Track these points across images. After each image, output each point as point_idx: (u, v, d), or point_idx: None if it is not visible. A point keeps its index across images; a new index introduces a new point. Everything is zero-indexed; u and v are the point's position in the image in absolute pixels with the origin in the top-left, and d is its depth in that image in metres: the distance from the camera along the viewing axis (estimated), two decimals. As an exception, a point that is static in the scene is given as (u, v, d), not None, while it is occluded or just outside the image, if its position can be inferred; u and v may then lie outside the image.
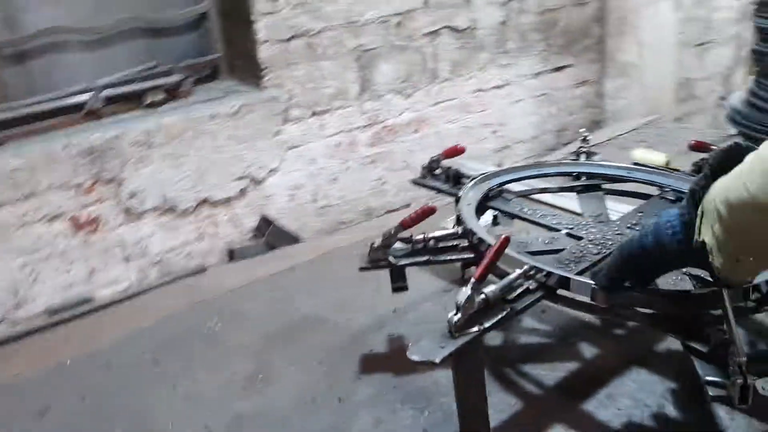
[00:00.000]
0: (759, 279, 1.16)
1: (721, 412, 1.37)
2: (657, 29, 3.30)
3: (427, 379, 1.53)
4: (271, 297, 1.95)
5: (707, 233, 0.97)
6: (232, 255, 2.32)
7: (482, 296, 1.22)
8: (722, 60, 3.85)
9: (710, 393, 1.06)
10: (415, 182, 1.92)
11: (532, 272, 1.30)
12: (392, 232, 1.49)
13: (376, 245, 1.50)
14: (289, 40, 2.31)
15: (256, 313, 1.86)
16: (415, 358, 1.18)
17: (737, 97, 2.05)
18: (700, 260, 1.11)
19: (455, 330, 1.20)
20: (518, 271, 1.29)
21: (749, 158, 0.93)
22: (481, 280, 1.24)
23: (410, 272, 1.57)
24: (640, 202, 1.68)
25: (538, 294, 1.31)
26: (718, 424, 1.34)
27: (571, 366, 1.54)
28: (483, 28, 2.82)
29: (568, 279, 1.28)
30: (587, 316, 1.72)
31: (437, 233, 1.51)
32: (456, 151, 1.83)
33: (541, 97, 3.14)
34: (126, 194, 2.08)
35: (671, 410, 1.39)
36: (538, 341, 1.64)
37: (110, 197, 2.06)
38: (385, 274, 1.91)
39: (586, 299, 1.27)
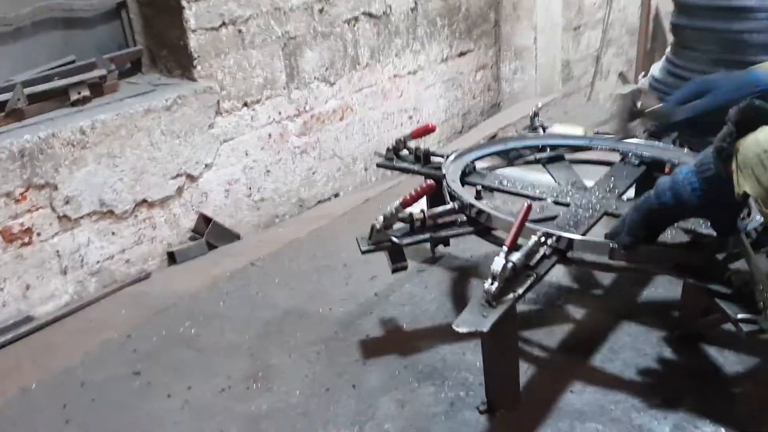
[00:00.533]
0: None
1: (712, 351, 1.49)
2: (547, 13, 3.49)
3: (434, 356, 1.54)
4: (242, 295, 1.87)
5: (748, 184, 1.04)
6: (173, 257, 2.19)
7: (511, 264, 1.25)
8: (593, 42, 4.13)
9: (744, 329, 1.15)
10: (382, 165, 1.91)
11: (545, 239, 1.35)
12: (393, 212, 1.48)
13: (378, 227, 1.48)
14: (218, 28, 2.21)
15: (233, 313, 1.77)
16: (462, 330, 1.18)
17: (657, 67, 2.22)
18: (716, 211, 1.21)
19: (493, 299, 1.22)
20: (534, 238, 1.33)
21: None
22: (512, 248, 1.27)
23: (380, 257, 1.55)
24: (601, 168, 1.79)
25: (554, 259, 1.36)
26: (713, 362, 1.46)
27: (567, 328, 1.61)
28: (396, 14, 2.84)
29: (584, 241, 1.34)
30: (563, 280, 1.80)
31: (436, 210, 1.51)
32: (426, 131, 1.84)
33: (448, 82, 3.22)
34: (60, 200, 1.90)
35: (669, 354, 1.49)
36: (527, 309, 1.69)
37: (44, 204, 1.87)
38: (351, 262, 1.90)
39: (604, 259, 1.34)
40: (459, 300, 1.73)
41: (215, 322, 1.74)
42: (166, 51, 2.23)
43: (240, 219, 2.41)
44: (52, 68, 2.03)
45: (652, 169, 1.73)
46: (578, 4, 3.96)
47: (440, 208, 1.51)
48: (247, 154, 2.39)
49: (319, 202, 2.70)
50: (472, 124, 3.46)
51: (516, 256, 1.26)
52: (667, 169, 1.68)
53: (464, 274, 1.85)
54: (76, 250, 1.97)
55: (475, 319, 1.19)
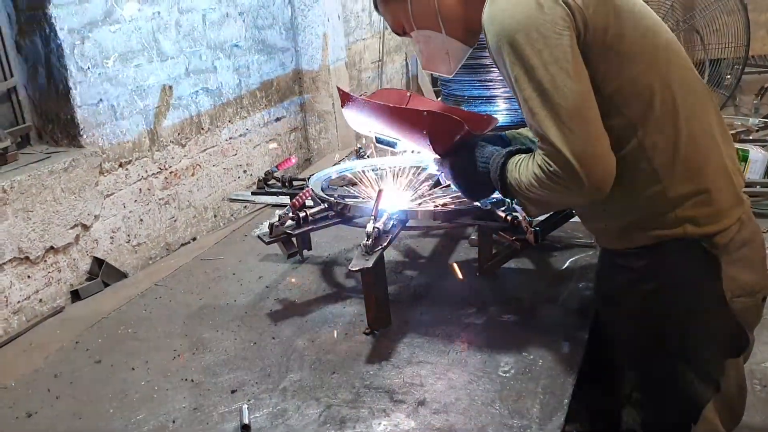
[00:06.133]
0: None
1: (496, 280, 2.28)
2: (340, 83, 4.33)
3: (325, 312, 2.14)
4: (158, 304, 2.32)
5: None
6: (77, 295, 2.59)
7: (376, 228, 1.94)
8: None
9: (518, 244, 1.94)
10: (256, 193, 2.53)
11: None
12: (285, 213, 2.11)
13: (275, 223, 2.10)
14: (97, 104, 2.70)
15: (157, 315, 2.22)
16: (355, 268, 1.84)
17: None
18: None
19: (369, 249, 1.90)
20: (386, 214, 2.04)
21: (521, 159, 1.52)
22: (376, 218, 1.97)
23: (258, 265, 2.19)
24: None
25: (400, 226, 2.08)
26: (498, 286, 2.25)
27: (408, 282, 2.32)
28: (226, 89, 3.49)
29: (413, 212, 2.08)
30: (400, 257, 2.52)
31: (313, 210, 2.17)
32: (287, 162, 2.50)
33: (270, 142, 3.90)
34: (-12, 249, 2.27)
35: (478, 284, 2.26)
36: (418, 283, 2.37)
37: (-27, 253, 2.23)
38: (238, 271, 2.48)
39: (430, 222, 2.09)
40: (329, 280, 2.38)
41: (145, 323, 2.20)
42: (52, 125, 2.67)
43: (123, 261, 2.85)
44: (-38, 143, 2.40)
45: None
46: (357, 78, 4.88)
47: (316, 208, 2.17)
48: (124, 206, 2.86)
49: (182, 245, 3.21)
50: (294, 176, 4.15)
51: (379, 223, 1.96)
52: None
53: (328, 265, 2.50)
54: (2, 291, 2.32)
55: (361, 262, 1.86)
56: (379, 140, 1.94)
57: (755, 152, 5.22)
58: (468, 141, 1.68)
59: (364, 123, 1.95)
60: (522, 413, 1.57)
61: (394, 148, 1.93)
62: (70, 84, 2.58)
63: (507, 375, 1.72)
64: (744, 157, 5.29)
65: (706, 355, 1.54)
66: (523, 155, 1.53)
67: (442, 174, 1.83)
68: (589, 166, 1.34)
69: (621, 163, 1.40)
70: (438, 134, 1.71)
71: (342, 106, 1.93)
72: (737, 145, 5.25)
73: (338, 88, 2.01)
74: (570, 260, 2.33)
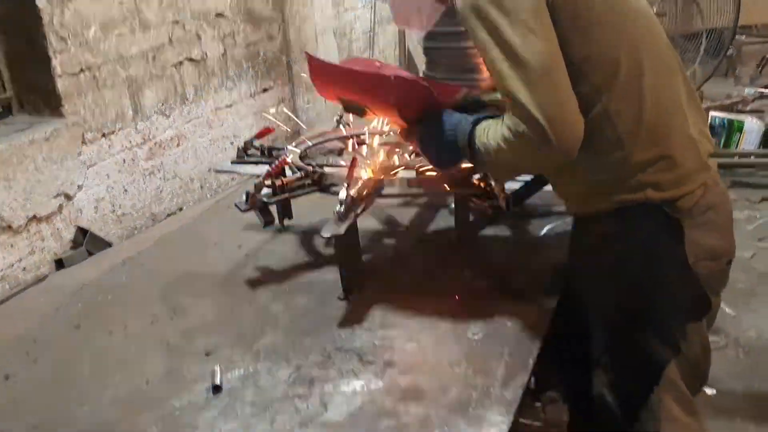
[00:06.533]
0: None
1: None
2: (328, 55, 4.32)
3: (301, 279, 2.16)
4: (139, 272, 2.34)
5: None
6: (61, 264, 2.62)
7: (350, 195, 1.96)
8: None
9: (491, 210, 1.96)
10: (236, 162, 2.54)
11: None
12: (262, 181, 2.13)
13: (251, 192, 2.11)
14: (78, 73, 2.71)
15: (137, 283, 2.23)
16: (326, 234, 1.86)
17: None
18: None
19: (342, 216, 1.92)
20: (361, 181, 2.06)
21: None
22: (350, 185, 1.98)
23: (240, 234, 2.24)
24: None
25: (375, 193, 2.09)
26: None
27: (385, 250, 2.34)
28: (211, 59, 3.49)
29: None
30: (377, 225, 2.54)
31: (290, 178, 2.18)
32: (267, 132, 2.51)
33: (257, 113, 3.90)
34: (-31, 217, 2.29)
35: (451, 252, 2.28)
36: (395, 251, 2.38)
37: (-45, 221, 2.25)
38: (219, 240, 2.49)
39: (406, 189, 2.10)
40: (308, 248, 2.40)
41: (125, 290, 2.23)
42: (33, 96, 2.68)
43: (107, 231, 2.88)
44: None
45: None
46: (348, 48, 4.87)
47: (293, 176, 2.19)
48: (108, 177, 2.88)
49: (168, 215, 3.23)
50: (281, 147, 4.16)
51: (352, 190, 1.97)
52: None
53: (307, 233, 2.52)
54: (-15, 260, 2.36)
55: (333, 228, 1.88)
56: (347, 108, 1.95)
57: (750, 122, 5.23)
58: (435, 109, 1.69)
59: (332, 90, 1.94)
60: (486, 373, 1.60)
61: (361, 116, 1.94)
62: (50, 53, 2.58)
63: (475, 338, 1.75)
64: (739, 128, 5.30)
65: (667, 318, 1.57)
66: (491, 121, 1.54)
67: (410, 143, 1.85)
68: (559, 128, 1.36)
69: (586, 128, 1.42)
70: (406, 101, 1.71)
71: (310, 72, 1.92)
72: (733, 116, 5.26)
73: (306, 53, 1.99)
74: (547, 228, 2.35)
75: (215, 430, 1.52)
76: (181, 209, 3.29)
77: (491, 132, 1.50)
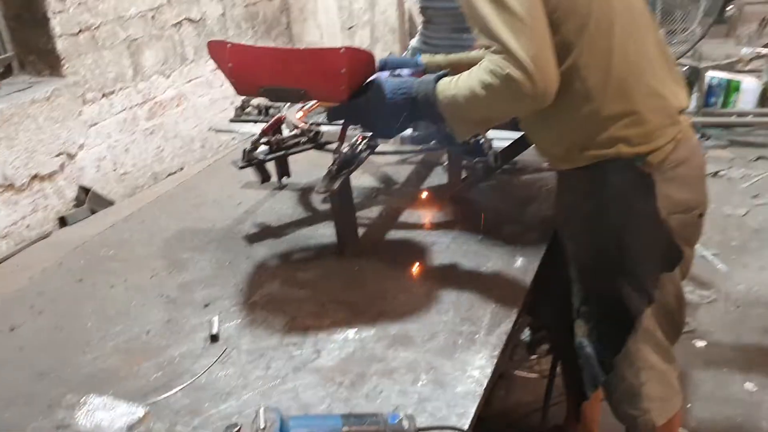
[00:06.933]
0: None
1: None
2: (327, 16, 4.32)
3: (298, 235, 2.22)
4: (140, 228, 2.40)
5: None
6: (64, 221, 2.68)
7: (343, 152, 2.00)
8: (365, 40, 5.06)
9: (479, 166, 2.00)
10: (234, 120, 2.58)
11: (362, 139, 2.11)
12: (257, 138, 2.17)
13: (248, 149, 2.16)
14: (77, 33, 2.74)
15: (137, 237, 2.29)
16: (321, 191, 1.91)
17: (414, 40, 3.10)
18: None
19: (336, 173, 1.96)
20: (355, 138, 2.09)
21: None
22: (341, 144, 2.02)
23: (238, 192, 2.29)
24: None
25: (368, 150, 2.13)
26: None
27: (381, 207, 2.39)
28: (210, 19, 3.50)
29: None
30: (374, 182, 2.59)
31: (286, 135, 2.23)
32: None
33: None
34: (-26, 175, 2.35)
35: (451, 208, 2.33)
36: (358, 200, 2.44)
37: (-38, 179, 2.31)
38: (218, 198, 2.54)
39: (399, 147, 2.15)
40: (306, 205, 2.45)
41: (126, 246, 2.29)
42: (34, 56, 2.71)
43: (110, 190, 2.93)
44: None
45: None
46: (349, 8, 4.86)
47: (289, 134, 2.23)
48: (109, 136, 2.92)
49: (169, 174, 3.28)
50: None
51: (346, 148, 2.01)
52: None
53: (305, 191, 2.57)
54: (-11, 217, 2.42)
55: (327, 185, 1.93)
56: (274, 97, 1.85)
57: (747, 82, 5.23)
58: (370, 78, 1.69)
59: (255, 81, 1.75)
60: (473, 321, 1.66)
61: (293, 101, 1.89)
62: (49, 14, 2.60)
63: (463, 288, 1.81)
64: (736, 88, 5.30)
65: (641, 268, 1.63)
66: (453, 77, 1.56)
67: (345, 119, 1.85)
68: (541, 69, 1.39)
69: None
70: (353, 73, 1.66)
71: (224, 63, 1.73)
72: (729, 75, 5.25)
73: (210, 43, 1.77)
74: (536, 185, 2.39)
75: (213, 376, 1.59)
76: (181, 169, 3.34)
77: (462, 81, 1.50)
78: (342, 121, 2.03)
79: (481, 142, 1.97)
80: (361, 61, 1.67)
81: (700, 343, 3.13)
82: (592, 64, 1.48)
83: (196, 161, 3.42)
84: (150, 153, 3.14)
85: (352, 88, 1.68)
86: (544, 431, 2.47)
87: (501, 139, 2.08)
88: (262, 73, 1.74)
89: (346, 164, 1.98)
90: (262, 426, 1.19)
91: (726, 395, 2.87)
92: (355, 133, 2.07)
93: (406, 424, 1.25)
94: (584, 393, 1.87)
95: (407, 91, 1.61)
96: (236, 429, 1.22)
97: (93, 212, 2.76)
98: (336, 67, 1.63)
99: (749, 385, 2.90)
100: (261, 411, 1.22)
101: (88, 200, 2.76)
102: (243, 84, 1.82)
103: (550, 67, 1.42)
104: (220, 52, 1.73)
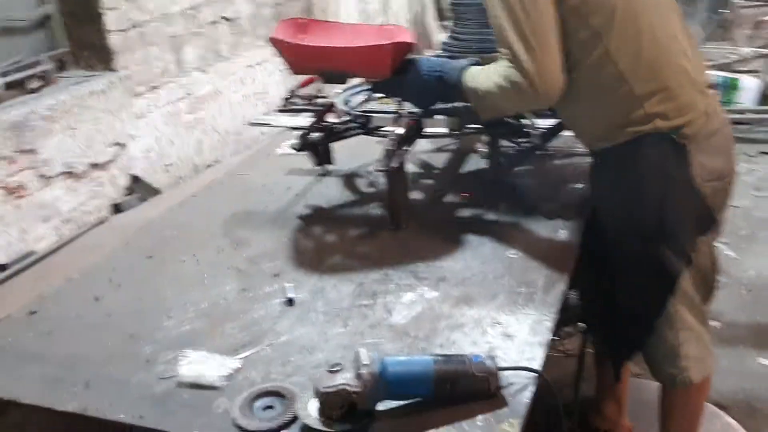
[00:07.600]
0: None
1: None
2: (349, 16, 4.48)
3: (349, 213, 2.37)
4: (195, 212, 2.52)
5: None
6: (118, 208, 2.82)
7: (397, 135, 2.15)
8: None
9: (521, 144, 2.16)
10: (282, 110, 2.74)
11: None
12: (311, 125, 2.33)
13: (302, 134, 2.32)
14: (127, 30, 2.89)
15: (196, 221, 2.41)
16: (381, 168, 2.07)
17: (444, 36, 3.27)
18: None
19: (393, 153, 2.12)
20: (405, 123, 2.25)
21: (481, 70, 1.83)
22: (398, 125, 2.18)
23: (285, 179, 2.48)
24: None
25: (418, 134, 2.29)
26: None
27: (429, 184, 2.55)
28: (243, 18, 3.66)
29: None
30: (418, 167, 2.74)
31: (337, 121, 2.38)
32: (310, 81, 2.71)
33: (285, 71, 4.08)
34: (40, 162, 2.49)
35: (488, 187, 2.48)
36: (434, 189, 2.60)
37: (29, 166, 2.45)
38: (267, 183, 2.68)
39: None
40: (353, 189, 2.60)
41: (187, 227, 2.42)
42: (87, 51, 2.86)
43: (157, 179, 3.08)
44: (8, 65, 2.60)
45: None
46: (366, 12, 5.02)
47: (341, 119, 2.38)
48: (156, 128, 3.07)
49: (208, 166, 3.43)
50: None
51: (400, 130, 2.17)
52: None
53: (349, 177, 2.72)
54: (53, 202, 2.56)
55: (385, 163, 2.09)
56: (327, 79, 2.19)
57: (747, 80, 5.42)
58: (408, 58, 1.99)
59: (309, 67, 2.16)
60: (528, 283, 1.81)
61: (341, 83, 2.21)
62: (101, 11, 2.75)
63: (514, 257, 1.96)
64: (735, 86, 5.50)
65: (679, 233, 1.79)
66: (478, 68, 1.84)
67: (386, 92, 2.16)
68: (545, 80, 1.62)
69: (590, 69, 1.67)
70: (395, 59, 1.96)
71: (282, 47, 2.07)
72: (730, 75, 5.45)
73: (271, 39, 2.10)
74: (569, 168, 2.56)
75: (295, 333, 1.73)
76: (217, 161, 3.48)
77: (482, 78, 1.79)
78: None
79: (525, 124, 2.13)
80: (401, 50, 1.97)
81: (715, 323, 3.29)
82: (623, 48, 1.66)
83: (232, 154, 3.57)
84: (192, 146, 3.29)
85: (393, 69, 1.98)
86: (578, 408, 2.61)
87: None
88: (321, 57, 2.07)
89: (402, 144, 2.14)
90: (365, 362, 1.33)
91: (742, 369, 3.03)
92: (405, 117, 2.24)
93: (488, 362, 1.40)
94: (624, 356, 2.03)
95: (440, 71, 1.88)
96: (339, 368, 1.36)
97: (143, 200, 2.90)
98: (383, 56, 1.94)
99: (764, 361, 3.07)
100: (362, 350, 1.36)
101: (138, 189, 2.90)
102: (300, 64, 2.15)
103: (555, 76, 1.63)
104: (291, 29, 2.10)
